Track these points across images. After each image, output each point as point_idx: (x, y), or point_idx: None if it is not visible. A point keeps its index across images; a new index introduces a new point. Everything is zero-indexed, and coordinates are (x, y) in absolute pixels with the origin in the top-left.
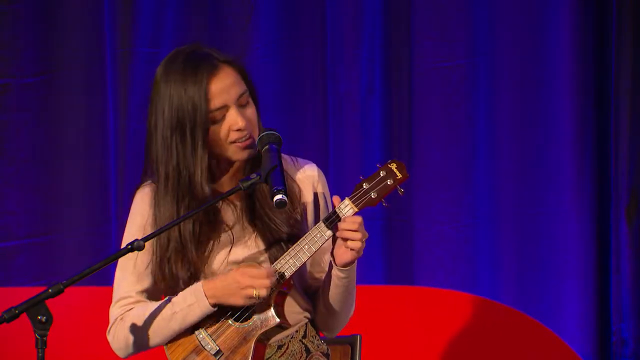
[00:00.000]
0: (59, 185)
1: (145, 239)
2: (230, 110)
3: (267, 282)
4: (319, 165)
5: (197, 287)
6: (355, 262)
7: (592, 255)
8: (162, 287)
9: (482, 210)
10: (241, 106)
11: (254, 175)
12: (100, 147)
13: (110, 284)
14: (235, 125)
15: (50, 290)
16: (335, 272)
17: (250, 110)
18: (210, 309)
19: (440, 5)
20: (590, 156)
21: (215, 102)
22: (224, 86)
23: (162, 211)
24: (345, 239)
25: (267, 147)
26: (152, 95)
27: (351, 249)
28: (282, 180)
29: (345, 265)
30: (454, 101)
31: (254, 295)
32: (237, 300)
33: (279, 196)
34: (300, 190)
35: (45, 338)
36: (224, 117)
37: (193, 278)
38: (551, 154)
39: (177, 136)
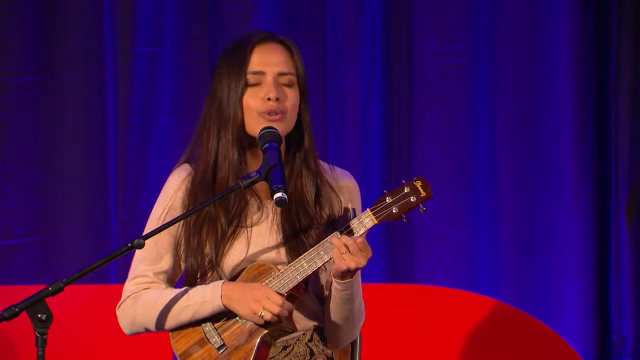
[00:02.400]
0: (59, 184)
1: (146, 236)
2: (267, 78)
3: (277, 309)
4: None
5: (217, 285)
6: (355, 277)
7: (592, 254)
8: (183, 266)
9: (482, 209)
10: (282, 84)
11: (254, 174)
12: (100, 146)
13: (110, 282)
14: (267, 94)
15: (50, 289)
16: (334, 284)
17: (292, 93)
18: (221, 308)
19: (441, 4)
20: (590, 155)
21: (254, 66)
22: (267, 55)
23: (202, 168)
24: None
25: (267, 145)
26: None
27: (347, 265)
28: (282, 179)
29: (338, 276)
30: (454, 100)
31: (259, 314)
32: (242, 310)
33: (278, 194)
34: (337, 199)
35: (45, 336)
36: (260, 85)
37: (212, 269)
38: (551, 153)
39: (226, 89)
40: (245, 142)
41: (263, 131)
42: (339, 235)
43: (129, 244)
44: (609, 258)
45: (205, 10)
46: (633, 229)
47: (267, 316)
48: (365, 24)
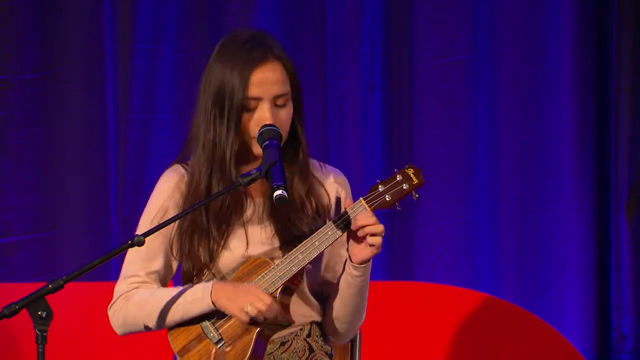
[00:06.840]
0: (59, 181)
1: (146, 234)
2: (263, 104)
3: (263, 306)
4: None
5: (208, 285)
6: (371, 260)
7: (593, 251)
8: (175, 266)
9: (482, 206)
10: (277, 106)
11: (254, 171)
12: (100, 143)
13: (110, 279)
14: (262, 120)
15: (50, 286)
16: (350, 270)
17: (285, 113)
18: (211, 307)
19: (441, 1)
20: (590, 153)
21: (252, 91)
22: (265, 79)
23: (195, 181)
24: (365, 235)
25: (267, 142)
26: (205, 68)
27: (371, 245)
28: (282, 176)
29: (362, 262)
30: (455, 97)
31: (245, 310)
32: (230, 307)
33: (278, 192)
34: (327, 196)
35: (45, 334)
36: (257, 108)
37: (208, 267)
38: (552, 151)
39: (217, 111)
40: (250, 153)
41: (263, 129)
42: (334, 226)
43: (129, 242)
44: (609, 255)
45: (206, 7)
46: (633, 226)
47: (252, 311)
48: (365, 21)
